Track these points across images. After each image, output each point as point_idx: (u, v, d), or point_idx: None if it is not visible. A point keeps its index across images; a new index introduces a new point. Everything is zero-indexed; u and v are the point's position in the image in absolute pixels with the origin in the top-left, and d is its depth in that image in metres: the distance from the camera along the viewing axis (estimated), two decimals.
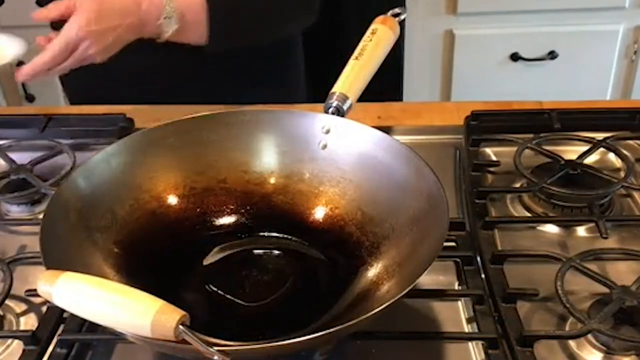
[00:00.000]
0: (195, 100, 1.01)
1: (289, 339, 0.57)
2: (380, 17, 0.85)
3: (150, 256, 0.75)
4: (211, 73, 1.10)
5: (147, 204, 0.79)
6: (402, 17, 0.85)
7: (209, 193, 0.82)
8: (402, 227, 0.73)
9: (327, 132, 0.80)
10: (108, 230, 0.74)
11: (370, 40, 0.82)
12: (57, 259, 0.64)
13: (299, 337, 0.57)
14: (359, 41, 0.83)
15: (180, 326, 0.56)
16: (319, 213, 0.80)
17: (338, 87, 0.79)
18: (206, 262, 0.78)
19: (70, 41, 0.89)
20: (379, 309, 0.59)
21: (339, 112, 0.79)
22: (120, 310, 0.57)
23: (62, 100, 2.03)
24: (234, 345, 0.58)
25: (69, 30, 0.89)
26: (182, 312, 0.56)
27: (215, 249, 0.79)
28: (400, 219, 0.74)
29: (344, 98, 0.79)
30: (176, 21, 0.94)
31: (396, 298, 0.60)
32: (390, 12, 0.85)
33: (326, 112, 0.80)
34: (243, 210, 0.82)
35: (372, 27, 0.84)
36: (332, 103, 0.79)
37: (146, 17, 0.92)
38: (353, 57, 0.81)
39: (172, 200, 0.80)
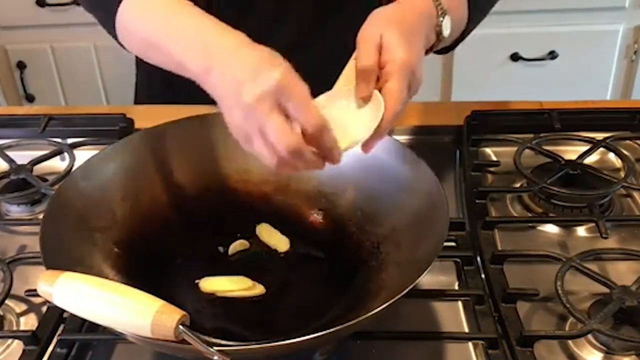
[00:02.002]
0: None
1: (289, 339, 0.57)
2: None
3: (150, 256, 0.75)
4: None
5: (147, 204, 0.79)
6: None
7: (209, 193, 0.82)
8: (402, 227, 0.73)
9: None
10: (108, 230, 0.74)
11: None
12: (57, 259, 0.64)
13: (299, 337, 0.57)
14: None
15: (180, 326, 0.56)
16: (319, 213, 0.80)
17: (338, 87, 0.79)
18: (206, 262, 0.78)
19: (408, 78, 0.70)
20: (379, 309, 0.59)
21: None
22: (120, 310, 0.57)
23: (62, 100, 2.03)
24: (233, 345, 0.58)
25: (402, 69, 0.69)
26: (182, 312, 0.56)
27: (215, 249, 0.79)
28: (401, 219, 0.74)
29: None
30: (449, 16, 0.79)
31: (396, 298, 0.60)
32: None
33: None
34: (243, 210, 0.82)
35: None
36: None
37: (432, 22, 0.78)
38: (353, 57, 0.81)
39: (172, 200, 0.80)
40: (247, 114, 0.64)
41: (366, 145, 0.69)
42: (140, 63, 1.18)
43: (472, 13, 0.84)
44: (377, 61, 0.70)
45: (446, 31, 0.78)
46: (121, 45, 0.81)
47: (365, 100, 0.70)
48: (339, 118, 0.69)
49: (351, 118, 0.70)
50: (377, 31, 0.71)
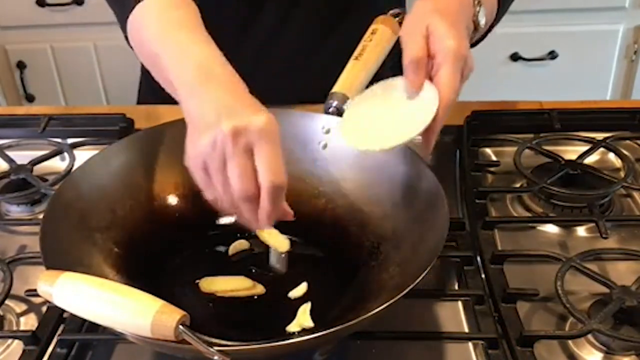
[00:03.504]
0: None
1: (289, 339, 0.57)
2: (380, 17, 0.85)
3: (150, 256, 0.75)
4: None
5: (147, 204, 0.79)
6: (402, 17, 0.85)
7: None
8: (403, 228, 0.73)
9: (327, 132, 0.80)
10: (108, 230, 0.74)
11: (370, 40, 0.82)
12: (57, 259, 0.64)
13: (299, 337, 0.57)
14: (361, 37, 0.83)
15: (180, 326, 0.56)
16: (319, 213, 0.80)
17: (338, 87, 0.79)
18: (206, 262, 0.78)
19: (461, 65, 0.70)
20: (379, 309, 0.59)
21: (339, 112, 0.79)
22: (120, 310, 0.57)
23: (62, 100, 2.03)
24: (233, 345, 0.58)
25: (455, 57, 0.69)
26: (182, 312, 0.56)
27: (215, 249, 0.79)
28: (401, 219, 0.74)
29: (344, 98, 0.79)
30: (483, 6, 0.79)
31: (396, 298, 0.60)
32: (390, 12, 0.85)
33: (326, 112, 0.79)
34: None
35: (372, 27, 0.84)
36: (332, 103, 0.79)
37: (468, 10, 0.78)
38: (353, 57, 0.81)
39: (172, 200, 0.80)
40: (216, 143, 0.61)
41: (427, 140, 0.68)
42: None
43: (501, 6, 0.84)
44: (427, 51, 0.69)
45: (482, 20, 0.78)
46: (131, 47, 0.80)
47: (417, 91, 0.69)
48: (391, 112, 0.69)
49: (404, 112, 0.69)
50: (422, 22, 0.70)
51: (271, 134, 0.61)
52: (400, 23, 0.85)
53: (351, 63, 0.81)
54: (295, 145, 0.81)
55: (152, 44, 0.71)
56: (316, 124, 0.80)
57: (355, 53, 0.81)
